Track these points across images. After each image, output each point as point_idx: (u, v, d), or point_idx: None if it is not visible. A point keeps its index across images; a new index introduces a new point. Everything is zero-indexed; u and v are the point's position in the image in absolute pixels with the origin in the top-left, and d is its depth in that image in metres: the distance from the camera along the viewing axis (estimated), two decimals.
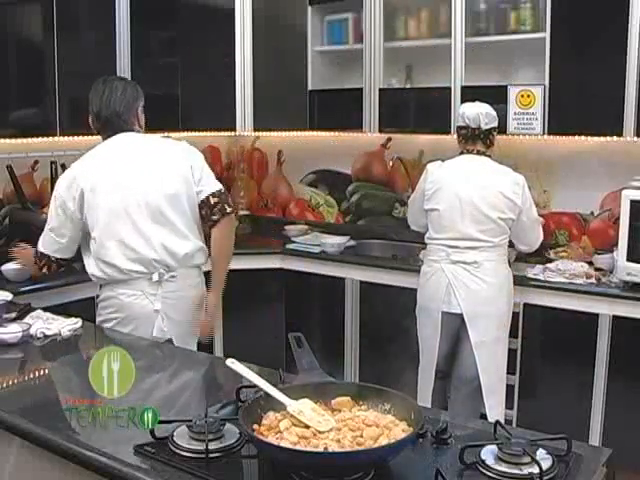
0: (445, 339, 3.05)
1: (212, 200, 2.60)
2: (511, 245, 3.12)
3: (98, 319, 2.63)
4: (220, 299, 2.70)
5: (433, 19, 3.69)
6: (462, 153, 3.07)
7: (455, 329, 3.03)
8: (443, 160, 3.10)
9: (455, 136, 3.13)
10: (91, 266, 2.58)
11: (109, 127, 2.59)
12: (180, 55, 3.95)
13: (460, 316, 2.98)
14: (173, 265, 2.56)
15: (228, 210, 2.61)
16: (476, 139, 3.03)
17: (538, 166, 3.61)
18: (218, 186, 2.65)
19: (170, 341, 2.57)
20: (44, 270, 2.67)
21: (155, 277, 2.53)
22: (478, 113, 2.99)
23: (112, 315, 2.56)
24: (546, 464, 1.39)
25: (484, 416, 2.97)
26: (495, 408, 3.00)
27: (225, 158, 4.73)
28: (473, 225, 2.95)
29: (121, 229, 2.50)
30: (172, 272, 2.56)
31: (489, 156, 3.05)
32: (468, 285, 2.95)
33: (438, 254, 3.02)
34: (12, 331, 2.21)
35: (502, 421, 1.58)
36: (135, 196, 2.52)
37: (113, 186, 2.51)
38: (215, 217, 2.60)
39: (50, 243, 2.61)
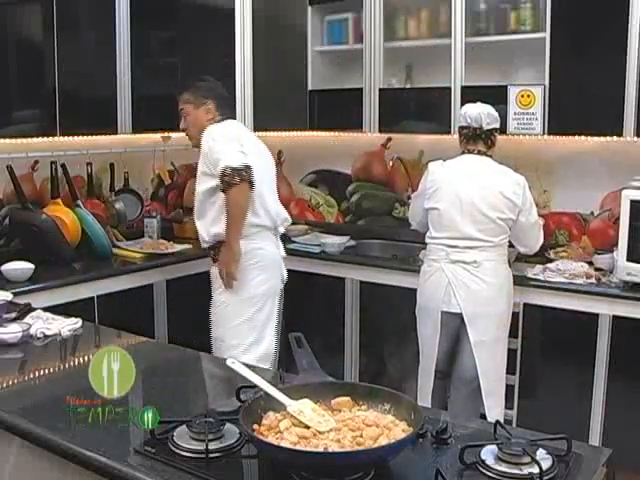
0: (445, 339, 3.04)
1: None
2: (511, 245, 3.12)
3: (243, 264, 3.04)
4: None
5: (433, 19, 3.69)
6: (463, 153, 3.07)
7: (455, 329, 3.03)
8: (444, 160, 3.10)
9: (456, 136, 3.13)
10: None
11: (229, 111, 3.28)
12: (180, 55, 3.94)
13: (460, 316, 2.97)
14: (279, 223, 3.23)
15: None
16: (477, 139, 3.03)
17: (538, 166, 3.61)
18: None
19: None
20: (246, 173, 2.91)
21: (281, 229, 3.23)
22: (480, 113, 2.99)
23: (258, 264, 3.08)
24: (546, 464, 1.39)
25: (484, 416, 2.96)
26: (494, 408, 3.00)
27: None
28: (472, 225, 2.95)
29: (267, 190, 3.14)
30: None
31: (490, 156, 3.05)
32: (468, 285, 2.95)
33: (438, 253, 3.02)
34: (12, 331, 2.21)
35: (502, 421, 1.58)
36: (265, 169, 3.16)
37: (256, 157, 3.05)
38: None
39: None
